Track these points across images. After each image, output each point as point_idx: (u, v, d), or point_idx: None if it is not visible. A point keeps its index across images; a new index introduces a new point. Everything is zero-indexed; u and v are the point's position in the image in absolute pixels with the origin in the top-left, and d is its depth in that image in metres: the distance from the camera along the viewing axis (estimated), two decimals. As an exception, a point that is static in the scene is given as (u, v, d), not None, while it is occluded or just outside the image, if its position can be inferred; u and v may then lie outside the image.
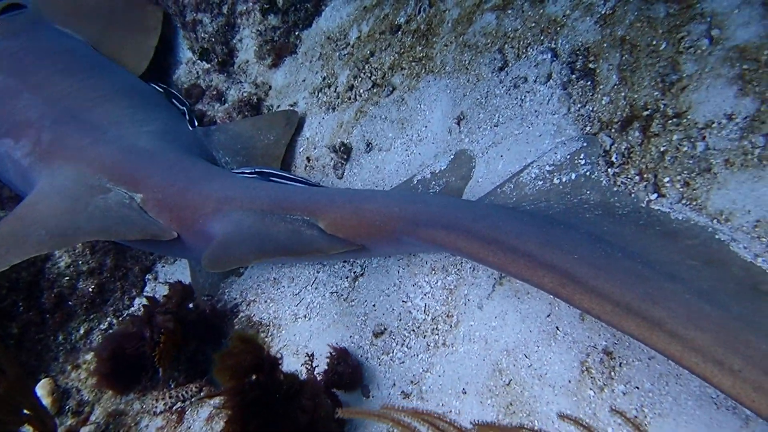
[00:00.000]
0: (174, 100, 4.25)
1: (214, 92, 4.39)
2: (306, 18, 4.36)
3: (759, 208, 1.99)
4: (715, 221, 2.08)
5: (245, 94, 4.31)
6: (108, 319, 3.71)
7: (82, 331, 3.61)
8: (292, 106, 4.09)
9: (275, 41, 4.40)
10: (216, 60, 4.54)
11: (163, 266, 4.03)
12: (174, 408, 2.73)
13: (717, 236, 2.01)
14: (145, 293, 3.91)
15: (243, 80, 4.45)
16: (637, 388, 2.01)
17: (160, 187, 3.13)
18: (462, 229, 2.30)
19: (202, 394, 2.78)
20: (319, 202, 2.78)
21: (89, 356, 3.36)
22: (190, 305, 3.24)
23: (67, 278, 3.64)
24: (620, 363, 2.08)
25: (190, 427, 2.66)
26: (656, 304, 1.81)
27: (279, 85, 4.28)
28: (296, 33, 4.37)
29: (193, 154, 3.62)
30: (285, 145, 3.87)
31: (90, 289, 3.67)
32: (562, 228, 2.19)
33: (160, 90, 4.30)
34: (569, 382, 2.13)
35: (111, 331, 3.36)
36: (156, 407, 2.74)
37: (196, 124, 4.01)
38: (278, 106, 4.19)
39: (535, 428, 1.96)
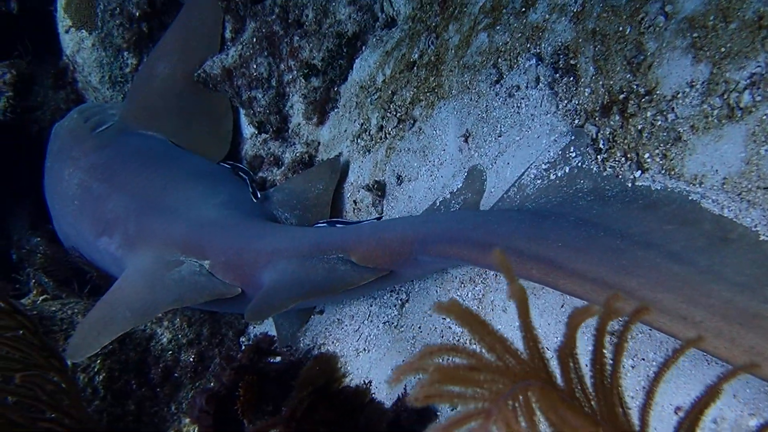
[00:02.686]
0: (240, 173, 4.71)
1: (272, 158, 4.83)
2: (341, 74, 4.71)
3: (724, 166, 2.01)
4: (690, 185, 2.11)
5: (298, 154, 4.71)
6: (211, 385, 4.15)
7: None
8: (338, 156, 4.42)
9: (318, 100, 4.76)
10: (271, 129, 5.00)
11: (254, 327, 4.46)
12: (257, 452, 3.03)
13: (690, 197, 2.05)
14: (239, 352, 4.34)
15: (296, 142, 4.86)
16: (643, 359, 2.06)
17: (222, 250, 3.55)
18: (463, 239, 2.48)
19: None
20: (350, 239, 3.09)
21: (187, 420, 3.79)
22: (271, 359, 3.56)
23: (170, 352, 4.12)
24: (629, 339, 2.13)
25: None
26: (629, 275, 1.90)
27: (326, 139, 4.64)
28: (335, 89, 4.72)
29: (254, 217, 4.03)
30: (332, 191, 4.20)
31: (191, 359, 4.12)
32: (552, 219, 2.31)
33: (228, 167, 4.80)
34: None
35: (199, 389, 3.74)
36: (242, 453, 3.06)
37: (258, 192, 4.39)
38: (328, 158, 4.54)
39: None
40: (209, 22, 5.06)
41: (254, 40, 4.89)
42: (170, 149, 4.91)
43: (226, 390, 3.30)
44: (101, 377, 3.82)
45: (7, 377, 2.49)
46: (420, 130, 3.57)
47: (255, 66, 4.91)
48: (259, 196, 4.33)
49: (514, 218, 2.45)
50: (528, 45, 3.02)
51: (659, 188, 2.17)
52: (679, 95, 2.21)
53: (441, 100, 3.51)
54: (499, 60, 3.17)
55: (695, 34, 2.16)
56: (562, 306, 2.40)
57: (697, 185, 2.08)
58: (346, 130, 4.48)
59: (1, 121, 5.61)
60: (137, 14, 5.65)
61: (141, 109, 5.12)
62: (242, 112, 5.32)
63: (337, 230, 3.32)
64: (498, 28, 3.23)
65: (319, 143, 4.71)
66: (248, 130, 5.33)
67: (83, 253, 4.70)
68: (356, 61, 4.65)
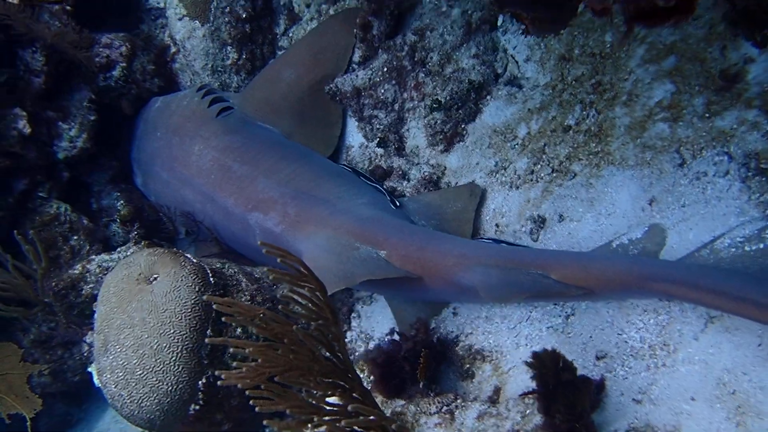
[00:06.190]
0: (362, 177, 5.22)
1: (400, 172, 5.39)
2: (469, 114, 5.40)
3: None
4: None
5: (426, 173, 5.29)
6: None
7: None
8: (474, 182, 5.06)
9: (445, 132, 5.39)
10: (393, 146, 5.57)
11: (362, 307, 4.89)
12: (443, 410, 3.52)
13: None
14: (352, 328, 4.77)
15: (420, 162, 5.44)
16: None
17: (399, 245, 4.04)
18: (691, 284, 3.19)
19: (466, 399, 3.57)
20: (546, 260, 3.63)
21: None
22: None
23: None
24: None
25: (462, 423, 3.44)
26: None
27: (454, 166, 5.27)
28: (462, 126, 5.39)
29: (405, 220, 4.57)
30: (473, 211, 4.82)
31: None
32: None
33: (349, 170, 5.31)
34: (787, 390, 2.98)
35: (378, 345, 4.09)
36: (430, 409, 3.53)
37: (395, 199, 4.91)
38: (456, 183, 5.16)
39: None
40: (342, 44, 5.75)
41: (385, 69, 5.56)
42: (297, 145, 5.46)
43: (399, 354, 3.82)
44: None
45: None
46: (590, 184, 4.31)
47: (382, 90, 5.56)
48: (397, 203, 4.87)
49: (732, 275, 3.22)
50: (714, 143, 3.90)
51: None
52: None
53: (611, 165, 4.28)
54: (682, 148, 4.01)
55: None
56: (759, 345, 3.17)
57: None
58: (477, 163, 5.14)
59: (113, 87, 5.97)
60: (244, 16, 6.26)
61: (262, 104, 5.71)
62: (355, 124, 5.87)
63: (526, 250, 3.93)
64: (680, 123, 4.09)
65: (445, 168, 5.33)
66: (357, 139, 5.86)
67: (214, 218, 5.05)
68: (486, 107, 5.35)
